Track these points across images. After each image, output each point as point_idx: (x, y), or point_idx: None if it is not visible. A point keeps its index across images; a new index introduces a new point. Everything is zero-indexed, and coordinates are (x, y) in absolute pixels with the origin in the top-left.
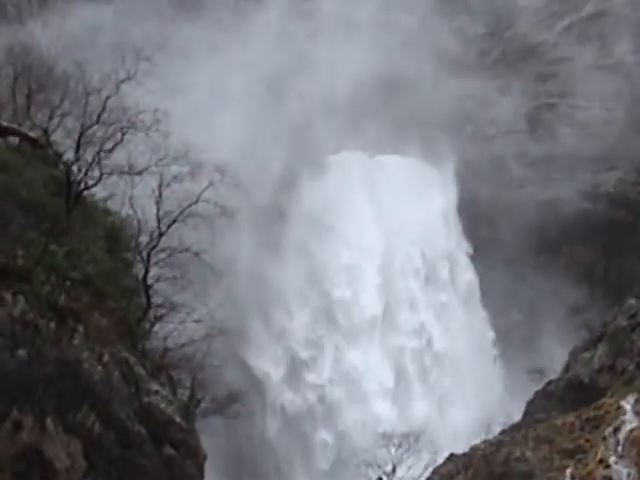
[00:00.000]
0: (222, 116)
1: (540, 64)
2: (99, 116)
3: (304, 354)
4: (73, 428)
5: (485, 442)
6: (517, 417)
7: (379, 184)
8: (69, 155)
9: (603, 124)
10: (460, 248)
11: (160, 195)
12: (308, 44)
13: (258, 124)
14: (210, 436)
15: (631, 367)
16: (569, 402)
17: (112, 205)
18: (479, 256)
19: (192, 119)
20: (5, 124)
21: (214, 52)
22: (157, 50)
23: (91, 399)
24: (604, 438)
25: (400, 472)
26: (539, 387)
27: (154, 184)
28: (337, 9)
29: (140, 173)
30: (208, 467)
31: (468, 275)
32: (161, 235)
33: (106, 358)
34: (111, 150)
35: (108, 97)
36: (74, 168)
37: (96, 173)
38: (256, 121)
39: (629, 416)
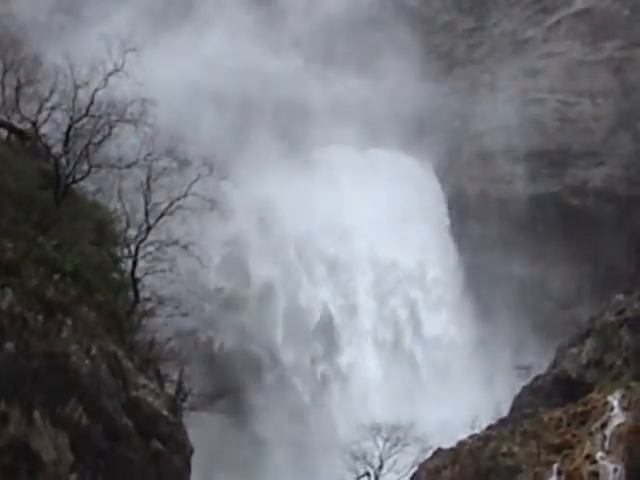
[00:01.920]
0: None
1: (529, 59)
2: (88, 109)
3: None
4: (60, 421)
5: (472, 437)
6: (504, 412)
7: (367, 178)
8: (58, 148)
9: (592, 120)
10: (447, 244)
11: (149, 188)
12: None
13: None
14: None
15: (619, 362)
16: (556, 397)
17: (101, 198)
18: (466, 251)
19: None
20: None
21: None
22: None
23: (79, 392)
24: (591, 433)
25: (387, 466)
26: (527, 382)
27: (143, 177)
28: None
29: (129, 167)
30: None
31: (455, 271)
32: (149, 228)
33: (94, 351)
34: (100, 143)
35: (96, 90)
36: (63, 161)
37: (85, 166)
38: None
39: (616, 412)
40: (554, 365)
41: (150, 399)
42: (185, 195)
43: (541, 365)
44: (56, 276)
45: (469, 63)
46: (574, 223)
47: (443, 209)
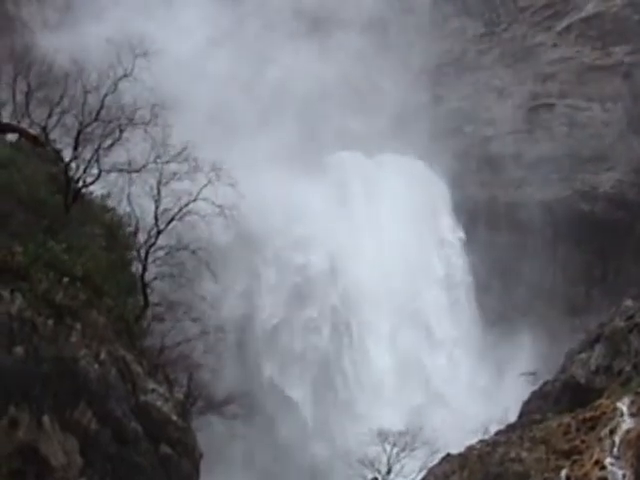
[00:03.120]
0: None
1: (539, 65)
2: (97, 113)
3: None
4: (69, 426)
5: (481, 442)
6: (513, 418)
7: (377, 184)
8: (68, 153)
9: (602, 125)
10: (456, 249)
11: (158, 193)
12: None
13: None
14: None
15: (628, 368)
16: (565, 403)
17: (110, 203)
18: (476, 256)
19: None
20: (5, 121)
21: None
22: None
23: (88, 397)
24: (600, 439)
25: (395, 471)
26: (535, 388)
27: (152, 182)
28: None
29: (138, 171)
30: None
31: (464, 275)
32: (159, 233)
33: (103, 356)
34: (110, 147)
35: (106, 94)
36: (73, 165)
37: (95, 171)
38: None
39: (625, 417)
40: (563, 371)
41: (159, 403)
42: (195, 200)
43: (550, 371)
44: (66, 280)
45: (479, 68)
46: (583, 228)
47: (452, 214)
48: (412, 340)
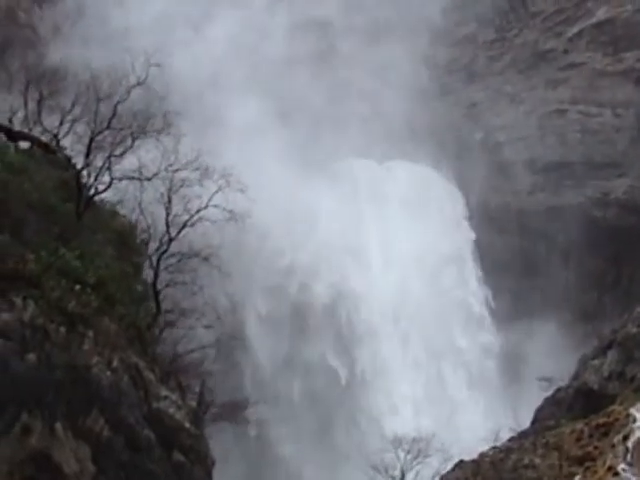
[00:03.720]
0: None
1: (550, 70)
2: (109, 121)
3: None
4: (82, 433)
5: (494, 449)
6: (526, 424)
7: (387, 192)
8: (79, 160)
9: (613, 131)
10: (470, 255)
11: (170, 200)
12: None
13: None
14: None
15: None
16: (578, 409)
17: (122, 210)
18: (488, 262)
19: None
20: (17, 129)
21: None
22: None
23: (100, 404)
24: (613, 445)
25: (408, 478)
26: (548, 394)
27: (164, 189)
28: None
29: (150, 179)
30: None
31: (477, 283)
32: (171, 240)
33: (115, 363)
34: (121, 155)
35: (118, 102)
36: (84, 173)
37: (106, 178)
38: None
39: (638, 423)
40: (576, 377)
41: (172, 411)
42: (206, 207)
43: (562, 377)
44: (78, 288)
45: (490, 74)
46: (596, 234)
47: (466, 221)
48: (429, 347)
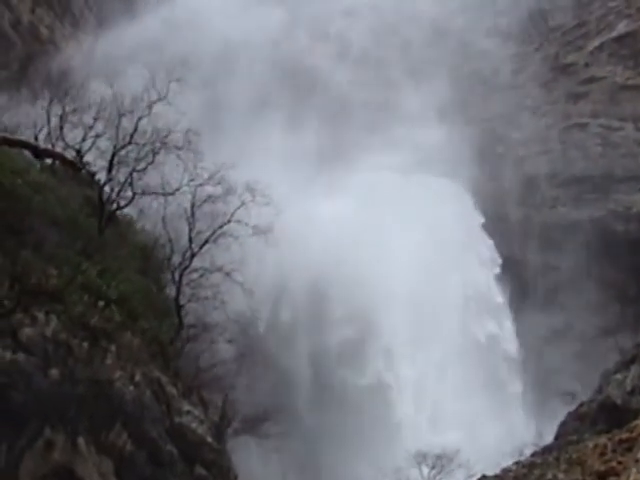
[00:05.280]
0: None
1: (571, 84)
2: (131, 137)
3: None
4: (105, 447)
5: (517, 464)
6: (549, 439)
7: (409, 204)
8: (102, 175)
9: (635, 144)
10: (490, 270)
11: (192, 215)
12: None
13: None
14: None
15: None
16: (601, 424)
17: (144, 225)
18: (509, 277)
19: None
20: (42, 146)
21: None
22: None
23: (123, 418)
24: (637, 460)
25: None
26: (571, 409)
27: (186, 204)
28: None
29: (172, 194)
30: None
31: (499, 296)
32: (193, 256)
33: (138, 378)
34: (143, 170)
35: (140, 118)
36: (107, 188)
37: (129, 193)
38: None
39: None
40: (599, 391)
41: (194, 425)
42: (229, 222)
43: (585, 392)
44: (101, 303)
45: (511, 88)
46: (617, 248)
47: (485, 234)
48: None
